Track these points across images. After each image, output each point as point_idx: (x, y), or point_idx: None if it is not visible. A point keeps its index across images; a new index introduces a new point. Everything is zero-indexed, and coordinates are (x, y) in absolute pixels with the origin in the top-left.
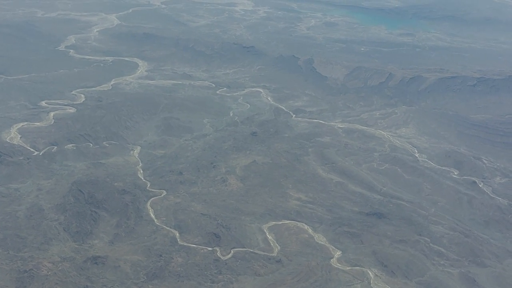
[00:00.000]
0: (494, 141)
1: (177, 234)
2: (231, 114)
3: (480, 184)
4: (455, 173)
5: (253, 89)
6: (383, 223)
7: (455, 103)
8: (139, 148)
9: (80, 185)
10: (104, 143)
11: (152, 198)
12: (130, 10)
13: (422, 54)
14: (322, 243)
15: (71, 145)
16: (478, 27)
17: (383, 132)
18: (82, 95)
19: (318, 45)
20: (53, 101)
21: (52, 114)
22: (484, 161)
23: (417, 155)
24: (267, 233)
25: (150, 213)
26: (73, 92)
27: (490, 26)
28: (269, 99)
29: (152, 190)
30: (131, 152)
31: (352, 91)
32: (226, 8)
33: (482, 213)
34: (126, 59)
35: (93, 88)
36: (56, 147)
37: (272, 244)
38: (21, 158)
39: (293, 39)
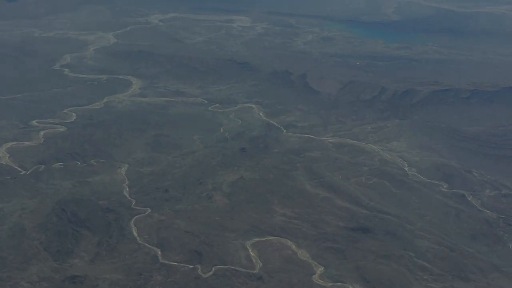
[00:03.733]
0: (486, 153)
1: (159, 252)
2: (221, 130)
3: (469, 197)
4: (445, 187)
5: (246, 104)
6: (368, 238)
7: (448, 116)
8: (126, 165)
9: (63, 204)
10: (92, 161)
11: (136, 216)
12: (128, 28)
13: (418, 67)
14: (305, 259)
15: (58, 164)
16: (477, 39)
17: (373, 146)
18: (74, 114)
19: (313, 60)
20: (45, 120)
21: (42, 133)
22: (475, 174)
23: (406, 169)
24: (250, 250)
25: (133, 231)
26: (65, 111)
27: (488, 38)
28: (261, 114)
29: (137, 208)
30: (119, 170)
31: (344, 106)
32: (224, 24)
33: (469, 227)
34: (120, 77)
35: (85, 107)
36: (43, 166)
37: (254, 261)
38: (8, 177)
39: (288, 54)
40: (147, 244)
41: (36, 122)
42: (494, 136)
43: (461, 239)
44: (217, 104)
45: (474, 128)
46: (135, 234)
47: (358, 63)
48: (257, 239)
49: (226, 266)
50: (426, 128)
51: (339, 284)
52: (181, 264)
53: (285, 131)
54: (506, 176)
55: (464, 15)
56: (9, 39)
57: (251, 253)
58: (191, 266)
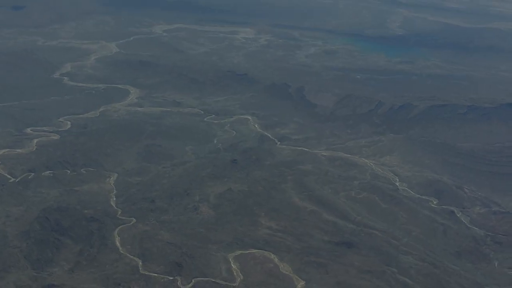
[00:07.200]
0: (479, 170)
1: (140, 262)
2: (215, 141)
3: (458, 214)
4: (434, 203)
5: (242, 116)
6: (352, 253)
7: (444, 131)
8: (116, 175)
9: (48, 212)
10: (82, 170)
11: (120, 226)
12: (131, 38)
13: (418, 82)
14: (287, 273)
15: (48, 172)
16: (480, 55)
17: (366, 160)
18: (69, 122)
19: (314, 73)
20: (39, 128)
21: (35, 141)
22: (466, 190)
23: (397, 184)
24: (231, 263)
25: (116, 241)
26: (60, 119)
27: (492, 54)
28: (256, 126)
29: (122, 217)
30: (107, 179)
31: (340, 119)
32: (228, 36)
33: (455, 244)
34: (119, 86)
35: (81, 115)
36: (33, 174)
37: (235, 274)
38: None
39: (289, 67)
40: (128, 255)
41: (31, 130)
42: (489, 152)
43: (446, 256)
44: (213, 115)
45: (469, 144)
46: (117, 244)
47: (358, 77)
48: (240, 251)
49: (206, 279)
50: (421, 143)
51: None
52: (161, 276)
53: (278, 143)
54: (497, 193)
55: (470, 31)
56: (12, 47)
57: (232, 265)
58: (171, 278)
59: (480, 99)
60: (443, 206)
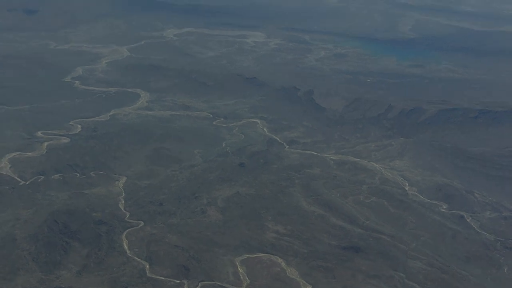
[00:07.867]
0: (490, 174)
1: (147, 266)
2: (223, 145)
3: (468, 218)
4: (444, 207)
5: (250, 119)
6: (359, 258)
7: (455, 135)
8: (124, 178)
9: (56, 215)
10: (91, 173)
11: (128, 229)
12: (142, 42)
13: (429, 86)
14: (293, 277)
15: (58, 175)
16: (492, 59)
17: (375, 165)
18: (79, 126)
19: (323, 76)
20: (50, 131)
21: (45, 144)
22: (476, 195)
23: (407, 188)
24: (238, 266)
25: (124, 244)
26: (70, 123)
27: (504, 58)
28: (264, 130)
29: (130, 221)
30: (116, 182)
31: (349, 123)
32: (237, 40)
33: (465, 249)
34: (129, 90)
35: (91, 119)
36: (43, 177)
37: (241, 278)
38: (6, 187)
39: (299, 70)
40: (136, 258)
41: (41, 133)
42: (500, 157)
43: (455, 261)
44: (222, 119)
45: (480, 149)
46: (125, 247)
47: (368, 80)
48: (247, 255)
49: (213, 282)
50: (431, 147)
51: None
52: (168, 279)
53: (287, 147)
54: (508, 198)
55: (482, 34)
56: (25, 51)
57: (239, 269)
58: (178, 281)
59: (491, 103)
60: (453, 211)
